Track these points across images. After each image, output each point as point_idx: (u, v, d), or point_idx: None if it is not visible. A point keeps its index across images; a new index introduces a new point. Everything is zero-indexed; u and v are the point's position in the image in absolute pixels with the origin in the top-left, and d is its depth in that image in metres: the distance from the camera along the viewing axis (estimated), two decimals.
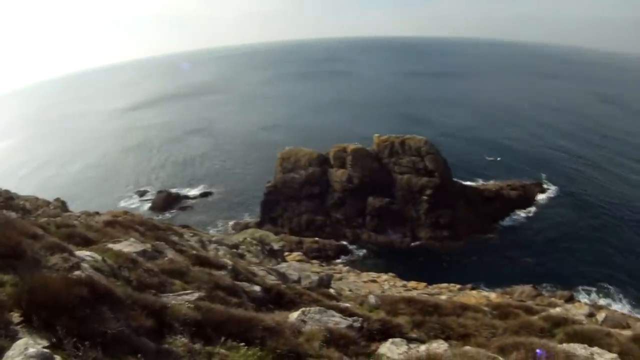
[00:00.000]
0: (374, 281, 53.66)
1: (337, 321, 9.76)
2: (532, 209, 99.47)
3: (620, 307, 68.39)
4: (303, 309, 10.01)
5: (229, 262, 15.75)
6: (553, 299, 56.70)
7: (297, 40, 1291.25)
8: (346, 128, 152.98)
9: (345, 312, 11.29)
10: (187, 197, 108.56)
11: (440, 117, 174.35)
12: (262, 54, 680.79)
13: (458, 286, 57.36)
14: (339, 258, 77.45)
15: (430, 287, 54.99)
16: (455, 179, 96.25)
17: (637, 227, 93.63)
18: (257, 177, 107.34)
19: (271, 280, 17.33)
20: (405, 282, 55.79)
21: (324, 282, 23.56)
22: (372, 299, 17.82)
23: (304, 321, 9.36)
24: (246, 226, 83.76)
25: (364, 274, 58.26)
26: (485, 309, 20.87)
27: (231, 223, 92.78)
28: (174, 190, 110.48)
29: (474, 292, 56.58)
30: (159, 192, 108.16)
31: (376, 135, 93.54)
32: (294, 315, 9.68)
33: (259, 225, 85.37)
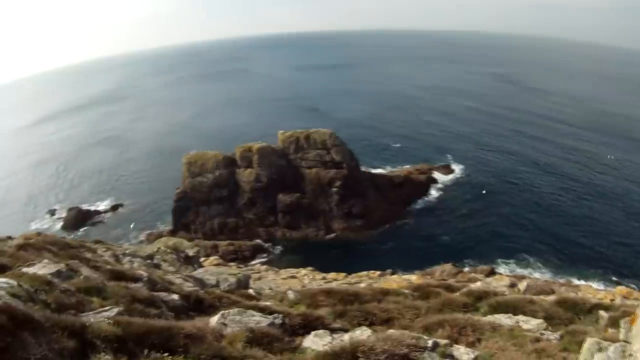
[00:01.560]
0: (293, 277, 52.86)
1: (258, 320, 9.80)
2: (442, 190, 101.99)
3: (542, 275, 71.48)
4: (222, 312, 10.00)
5: (145, 274, 15.60)
6: (474, 274, 58.50)
7: (201, 41, 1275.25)
8: (250, 127, 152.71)
9: (265, 311, 11.30)
10: (98, 212, 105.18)
11: (343, 108, 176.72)
12: (164, 58, 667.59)
13: (378, 273, 57.35)
14: (256, 258, 77.04)
15: (350, 276, 54.41)
16: (363, 168, 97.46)
17: (544, 197, 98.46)
18: (166, 184, 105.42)
19: (189, 287, 17.16)
20: (324, 275, 55.32)
21: (243, 284, 23.55)
22: (291, 295, 17.99)
23: (224, 324, 9.37)
24: (160, 235, 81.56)
25: (283, 271, 57.59)
26: (406, 291, 21.20)
27: (145, 234, 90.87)
28: (84, 206, 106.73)
29: (394, 276, 56.79)
30: (70, 209, 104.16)
31: (280, 131, 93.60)
32: (214, 320, 9.66)
33: (172, 233, 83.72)
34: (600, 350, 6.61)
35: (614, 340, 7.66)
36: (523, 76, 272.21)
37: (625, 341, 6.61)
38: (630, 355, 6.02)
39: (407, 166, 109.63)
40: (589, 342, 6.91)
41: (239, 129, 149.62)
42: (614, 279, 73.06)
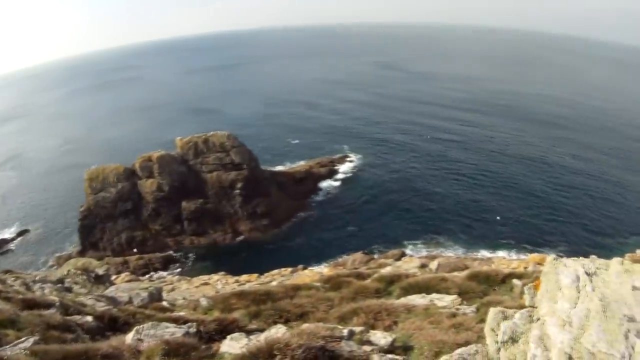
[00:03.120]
0: (206, 284, 53.01)
1: (172, 331, 9.84)
2: (344, 181, 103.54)
3: (455, 252, 73.84)
4: (137, 327, 9.98)
5: (56, 299, 15.44)
6: (384, 260, 58.41)
7: (92, 52, 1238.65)
8: (148, 135, 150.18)
9: (179, 321, 11.35)
10: (5, 241, 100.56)
11: (239, 108, 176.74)
12: (56, 71, 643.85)
13: (290, 269, 58.41)
14: (168, 269, 76.22)
15: (262, 276, 55.12)
16: (264, 167, 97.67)
17: (441, 176, 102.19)
18: (71, 202, 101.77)
19: (102, 307, 16.77)
20: (237, 278, 55.62)
21: (156, 297, 23.34)
22: (204, 301, 18.33)
23: (140, 340, 9.41)
24: (69, 257, 78.57)
25: (195, 279, 57.74)
26: (318, 284, 21.70)
27: (54, 257, 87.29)
28: None
29: (306, 271, 58.24)
30: None
31: (178, 138, 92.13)
32: (129, 337, 9.64)
33: (81, 253, 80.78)
34: (505, 318, 6.80)
35: (525, 306, 8.09)
36: (411, 63, 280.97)
37: (532, 306, 6.95)
38: (538, 319, 6.17)
39: (308, 161, 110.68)
40: (492, 312, 7.05)
41: (137, 139, 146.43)
42: (527, 247, 76.15)
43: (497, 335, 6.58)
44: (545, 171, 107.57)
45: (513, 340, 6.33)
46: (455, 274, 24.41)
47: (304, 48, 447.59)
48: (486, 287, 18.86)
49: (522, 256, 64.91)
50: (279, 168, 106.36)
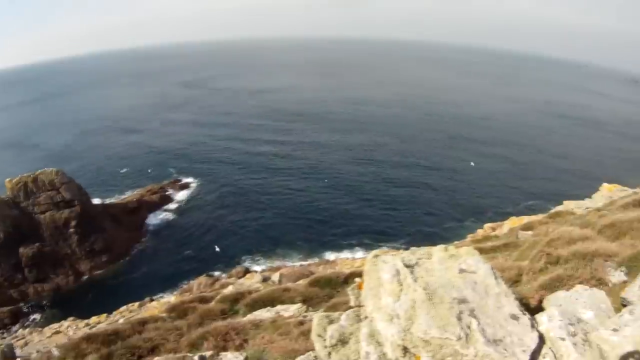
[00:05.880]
0: (57, 332, 52.88)
1: None
2: (178, 205, 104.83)
3: (300, 261, 77.34)
4: None
5: None
6: (227, 279, 61.35)
7: None
8: None
9: None
10: None
11: (59, 141, 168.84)
12: None
13: (137, 303, 59.45)
14: (19, 323, 72.37)
15: (111, 315, 55.86)
16: (96, 201, 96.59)
17: (271, 188, 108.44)
18: None
19: None
20: (87, 321, 55.99)
21: (8, 355, 21.90)
22: (55, 352, 17.68)
23: None
24: None
25: (47, 328, 56.94)
26: (164, 315, 21.75)
27: None
28: None
29: (154, 303, 59.52)
30: None
31: (7, 180, 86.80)
32: None
33: None
34: (331, 322, 6.58)
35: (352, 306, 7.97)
36: (218, 80, 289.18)
37: (359, 306, 6.79)
38: (366, 317, 6.06)
39: (139, 190, 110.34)
40: (317, 319, 6.81)
41: None
42: (370, 243, 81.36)
43: (324, 340, 6.37)
44: (375, 169, 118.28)
45: (342, 342, 6.19)
46: (300, 282, 25.54)
47: (121, 73, 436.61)
48: (330, 290, 19.88)
49: (366, 254, 65.50)
50: (111, 200, 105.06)
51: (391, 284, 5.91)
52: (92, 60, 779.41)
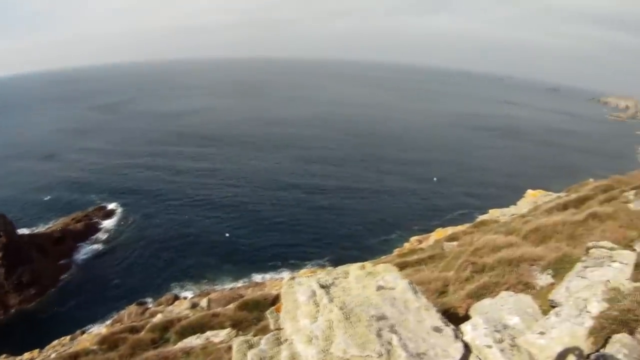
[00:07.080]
0: None
1: None
2: (104, 233, 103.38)
3: (230, 284, 77.73)
4: None
5: None
6: (157, 307, 61.51)
7: None
8: None
9: None
10: None
11: None
12: None
13: (69, 337, 57.78)
14: None
15: (44, 351, 54.20)
16: (21, 231, 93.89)
17: (192, 213, 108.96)
18: None
19: None
20: (20, 357, 54.62)
21: None
22: None
23: None
24: None
25: None
26: (95, 347, 22.15)
27: None
28: None
29: (85, 335, 57.30)
30: None
31: None
32: None
33: None
34: (251, 347, 6.51)
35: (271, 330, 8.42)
36: (133, 104, 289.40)
37: (278, 329, 6.82)
38: (286, 340, 6.08)
39: (63, 218, 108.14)
40: (236, 344, 6.77)
41: None
42: (295, 263, 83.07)
43: None
44: (298, 192, 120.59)
45: None
46: (230, 306, 26.00)
47: (41, 96, 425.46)
48: (258, 313, 20.30)
49: (293, 274, 64.76)
50: (36, 229, 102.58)
51: (307, 305, 6.12)
52: (12, 82, 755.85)
